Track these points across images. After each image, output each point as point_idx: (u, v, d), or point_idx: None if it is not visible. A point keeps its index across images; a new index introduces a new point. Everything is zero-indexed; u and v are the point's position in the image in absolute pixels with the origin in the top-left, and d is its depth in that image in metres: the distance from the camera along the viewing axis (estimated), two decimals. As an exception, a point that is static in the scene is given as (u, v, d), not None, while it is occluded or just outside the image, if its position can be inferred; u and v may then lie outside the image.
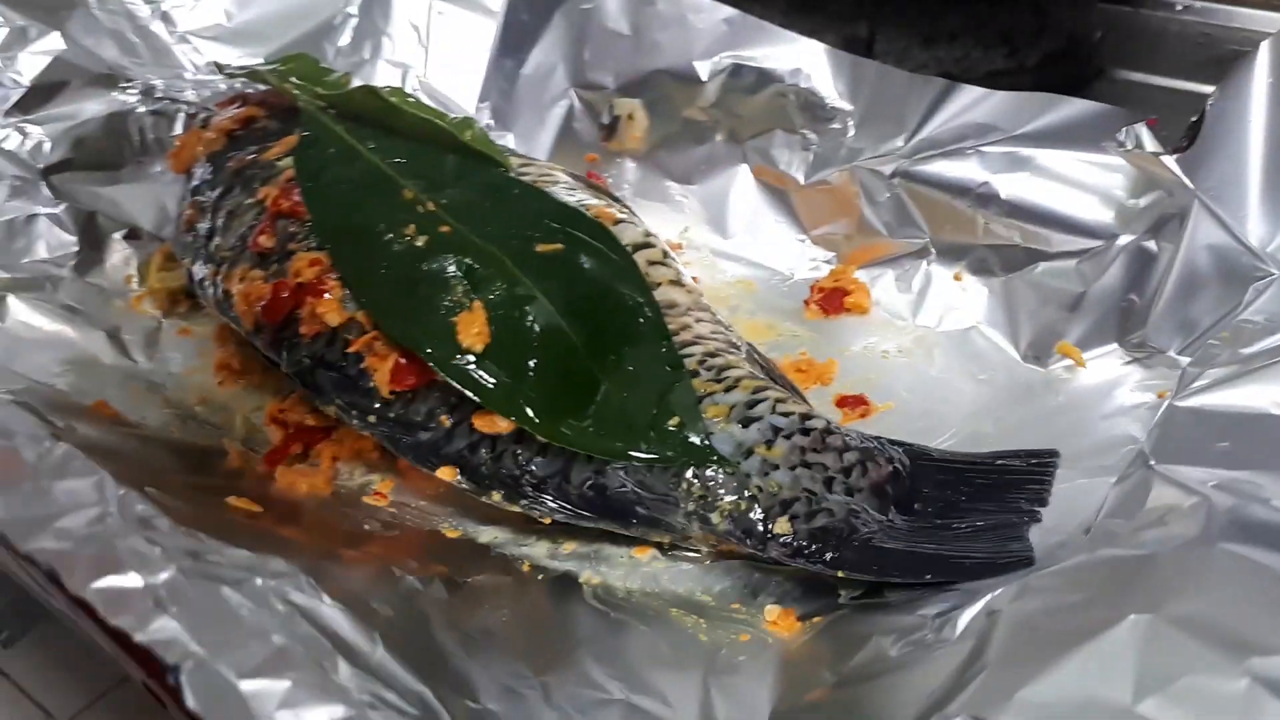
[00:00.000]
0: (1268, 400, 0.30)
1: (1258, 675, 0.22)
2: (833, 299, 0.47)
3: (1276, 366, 0.31)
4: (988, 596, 0.27)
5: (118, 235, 0.51)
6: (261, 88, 0.53)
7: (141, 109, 0.54)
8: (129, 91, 0.54)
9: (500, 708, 0.26)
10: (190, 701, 0.22)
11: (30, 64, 0.52)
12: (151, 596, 0.24)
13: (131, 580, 0.24)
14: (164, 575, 0.24)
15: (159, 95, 0.55)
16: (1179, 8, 0.76)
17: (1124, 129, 0.41)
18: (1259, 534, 0.25)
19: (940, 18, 0.63)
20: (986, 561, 0.31)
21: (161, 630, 0.23)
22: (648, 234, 0.42)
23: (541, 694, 0.28)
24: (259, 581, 0.25)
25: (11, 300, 0.46)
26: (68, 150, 0.51)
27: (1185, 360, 0.37)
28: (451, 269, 0.38)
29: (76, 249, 0.49)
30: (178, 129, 0.55)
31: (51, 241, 0.49)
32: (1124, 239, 0.42)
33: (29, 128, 0.51)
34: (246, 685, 0.22)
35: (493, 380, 0.36)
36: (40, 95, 0.52)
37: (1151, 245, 0.41)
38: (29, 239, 0.49)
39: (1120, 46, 0.71)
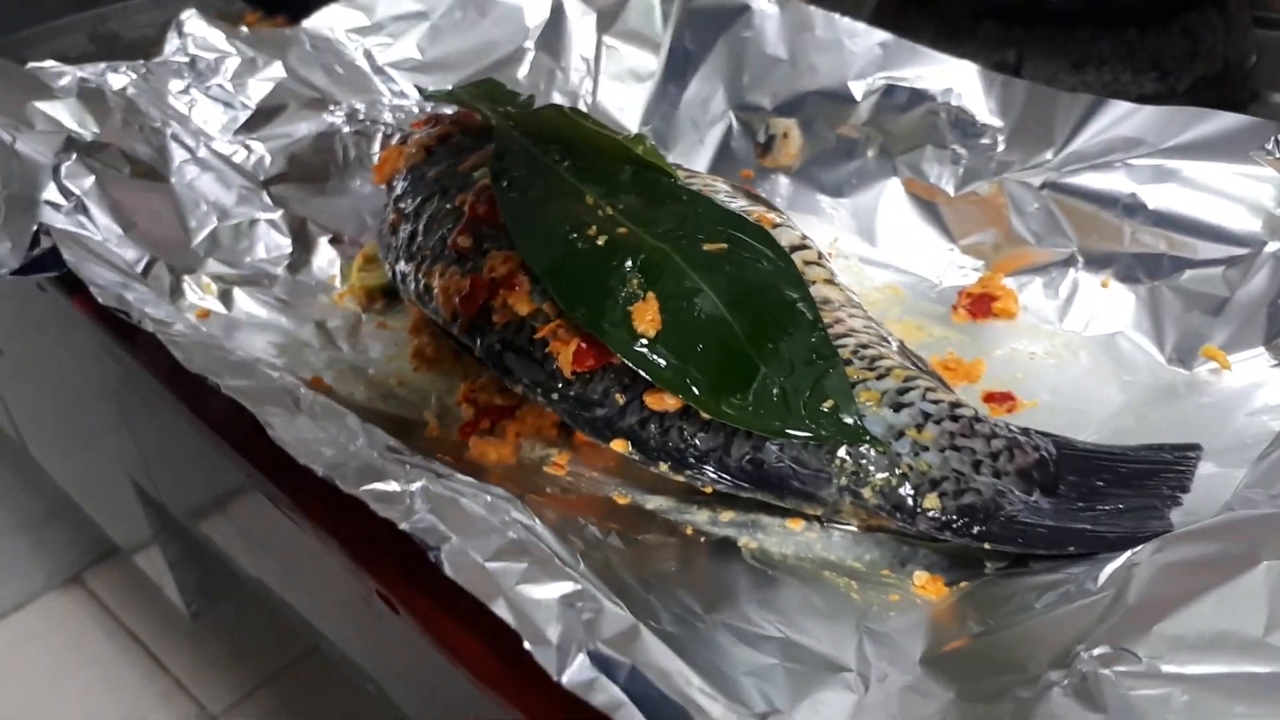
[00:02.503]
0: None
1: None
2: (981, 304, 0.49)
3: None
4: (1128, 553, 0.29)
5: (324, 239, 0.57)
6: (451, 110, 0.59)
7: (346, 129, 0.61)
8: (335, 114, 0.61)
9: (678, 631, 0.30)
10: (449, 572, 0.26)
11: (257, 89, 0.59)
12: (408, 497, 0.29)
13: (391, 486, 0.29)
14: (416, 484, 0.29)
15: (361, 117, 0.62)
16: (1341, 32, 0.76)
17: (1273, 138, 0.42)
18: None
19: (1089, 43, 0.65)
20: (1127, 535, 0.33)
21: (421, 520, 0.28)
22: (804, 237, 0.46)
23: (710, 626, 0.31)
24: (488, 498, 0.30)
25: (237, 292, 0.53)
26: (284, 165, 0.58)
27: (1332, 360, 0.38)
28: (628, 265, 0.42)
29: (290, 250, 0.56)
30: (375, 147, 0.62)
31: (269, 243, 0.56)
32: (1272, 246, 0.43)
33: (253, 144, 0.58)
34: (492, 565, 0.26)
35: (663, 362, 0.40)
36: (263, 117, 0.59)
37: (1301, 252, 0.42)
38: (251, 240, 0.55)
39: (1276, 70, 0.71)
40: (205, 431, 0.39)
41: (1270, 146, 0.42)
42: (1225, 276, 0.44)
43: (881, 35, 0.57)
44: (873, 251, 0.55)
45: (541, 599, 0.26)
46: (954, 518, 0.36)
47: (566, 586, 0.26)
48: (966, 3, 0.67)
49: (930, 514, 0.36)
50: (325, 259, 0.56)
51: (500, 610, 0.25)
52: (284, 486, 0.34)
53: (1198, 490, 0.36)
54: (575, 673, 0.24)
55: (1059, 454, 0.38)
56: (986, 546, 0.35)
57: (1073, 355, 0.46)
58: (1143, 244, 0.47)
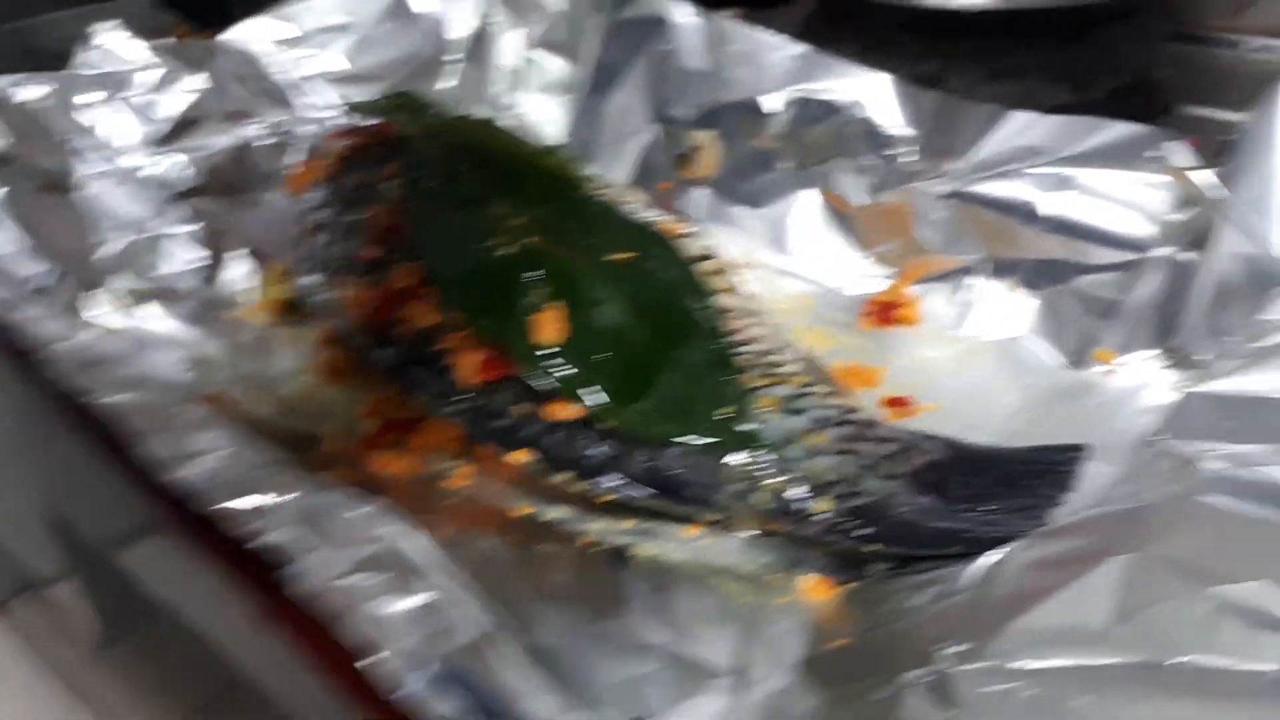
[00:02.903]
0: (1269, 385, 0.32)
1: (1218, 600, 0.24)
2: (886, 311, 0.50)
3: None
4: (997, 552, 0.30)
5: (240, 253, 0.57)
6: (370, 122, 0.59)
7: (265, 142, 0.61)
8: (255, 126, 0.61)
9: (559, 642, 0.30)
10: (297, 587, 0.26)
11: (176, 102, 0.59)
12: (273, 512, 0.29)
13: (258, 500, 0.29)
14: (286, 498, 0.29)
15: (281, 130, 0.62)
16: (1252, 45, 0.78)
17: (1162, 147, 0.43)
18: (1240, 489, 0.27)
19: (1007, 55, 0.66)
20: (1008, 536, 0.34)
21: (279, 535, 0.28)
22: (708, 248, 0.46)
23: (594, 636, 0.31)
24: (364, 510, 0.30)
25: (148, 306, 0.52)
26: (201, 178, 0.58)
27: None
28: (534, 275, 0.42)
29: (204, 264, 0.55)
30: (294, 159, 0.61)
31: (183, 257, 0.55)
32: (1162, 251, 0.44)
33: (170, 157, 0.57)
34: (344, 581, 0.26)
35: (568, 371, 0.40)
36: (181, 129, 0.58)
37: (1187, 257, 0.43)
38: (164, 254, 0.55)
39: (1188, 83, 0.72)
40: (106, 452, 0.39)
41: (1160, 154, 0.43)
42: (1119, 280, 0.45)
43: (798, 48, 0.57)
44: (786, 261, 0.55)
45: (390, 613, 0.26)
46: (843, 520, 0.36)
47: (420, 599, 0.26)
48: (890, 17, 0.68)
49: (820, 517, 0.37)
50: (240, 273, 0.56)
51: (341, 628, 0.25)
52: (173, 507, 0.34)
53: (1085, 488, 0.37)
54: (411, 689, 0.24)
55: (949, 456, 0.39)
56: (874, 548, 0.36)
57: (973, 360, 0.47)
58: (1042, 250, 0.48)
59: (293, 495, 0.29)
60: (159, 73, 0.60)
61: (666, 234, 0.45)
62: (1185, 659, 0.23)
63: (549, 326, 0.41)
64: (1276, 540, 0.26)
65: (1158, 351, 0.43)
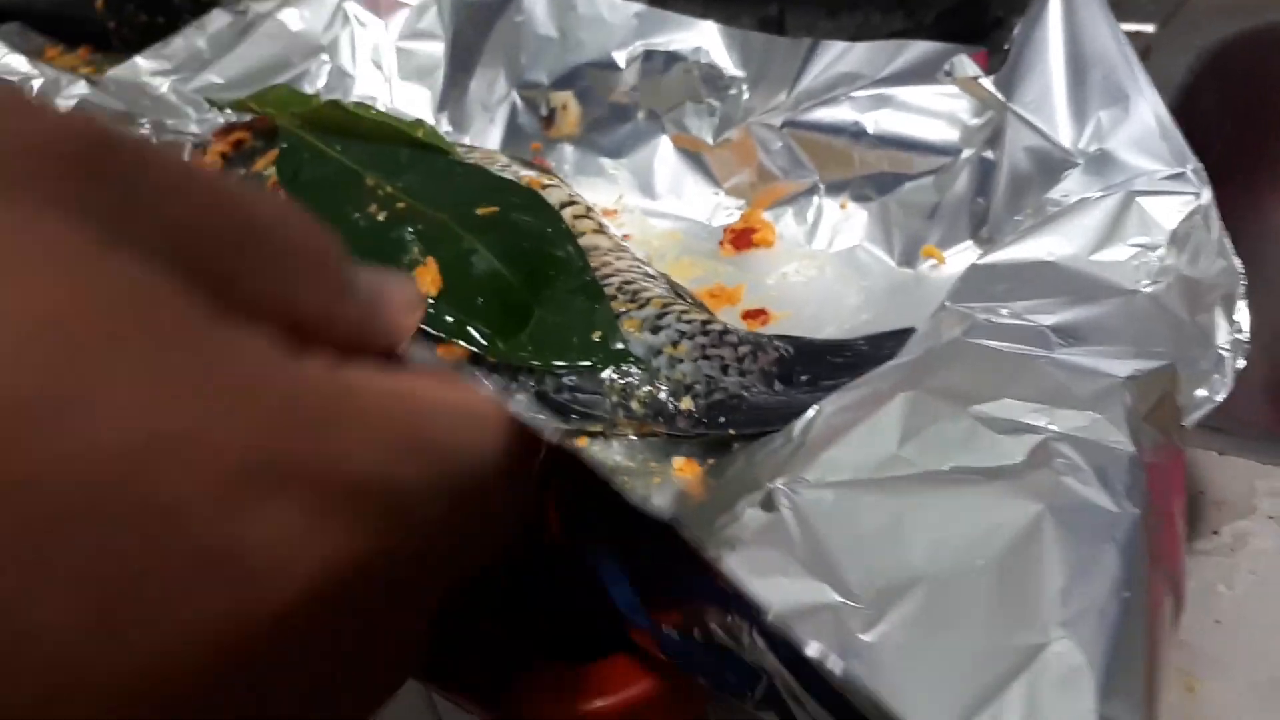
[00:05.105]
0: (1043, 250, 0.38)
1: (974, 416, 0.30)
2: (743, 237, 0.55)
3: (1051, 224, 0.39)
4: (815, 406, 0.35)
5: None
6: (247, 118, 0.62)
7: (154, 140, 0.64)
8: (143, 126, 0.64)
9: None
10: None
11: (63, 105, 0.61)
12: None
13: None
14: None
15: (167, 130, 0.64)
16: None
17: (954, 61, 0.49)
18: (997, 332, 0.33)
19: (841, -11, 0.71)
20: (840, 404, 0.39)
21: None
22: (572, 195, 0.51)
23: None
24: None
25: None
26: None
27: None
28: (408, 234, 0.46)
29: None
30: (184, 158, 0.64)
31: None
32: (967, 153, 0.50)
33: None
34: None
35: (450, 317, 0.44)
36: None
37: (989, 155, 0.49)
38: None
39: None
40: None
41: (949, 68, 0.48)
42: (935, 184, 0.51)
43: (636, 6, 0.62)
44: (653, 204, 0.60)
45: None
46: (704, 414, 0.41)
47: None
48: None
49: (685, 413, 0.42)
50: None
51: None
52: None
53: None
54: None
55: (795, 352, 0.44)
56: (733, 433, 0.41)
57: (820, 270, 0.52)
58: (869, 165, 0.53)
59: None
60: (44, 80, 0.62)
61: (531, 185, 0.50)
62: (954, 464, 0.29)
63: (426, 278, 0.45)
64: (1017, 368, 0.32)
65: (974, 240, 0.49)
